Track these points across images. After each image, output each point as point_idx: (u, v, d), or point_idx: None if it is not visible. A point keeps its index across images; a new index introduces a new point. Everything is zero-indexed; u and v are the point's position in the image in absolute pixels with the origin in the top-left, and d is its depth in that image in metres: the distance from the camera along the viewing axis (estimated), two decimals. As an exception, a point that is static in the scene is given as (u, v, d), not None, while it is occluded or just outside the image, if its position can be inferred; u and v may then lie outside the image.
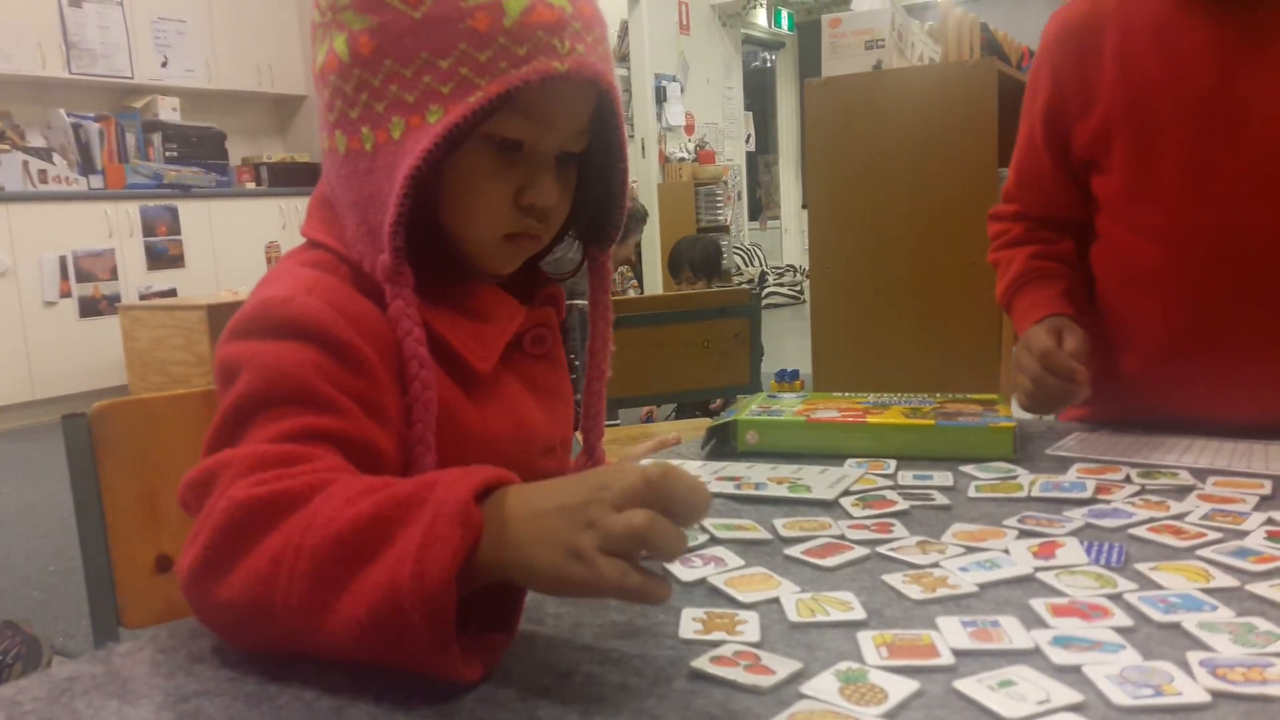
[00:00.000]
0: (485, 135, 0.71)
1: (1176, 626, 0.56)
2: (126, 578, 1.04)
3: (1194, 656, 0.52)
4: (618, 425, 2.92)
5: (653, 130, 7.91)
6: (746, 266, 9.17)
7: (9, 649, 2.09)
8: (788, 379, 4.39)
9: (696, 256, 3.99)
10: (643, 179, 7.73)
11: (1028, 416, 1.13)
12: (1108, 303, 1.12)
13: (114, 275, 5.38)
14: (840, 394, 1.12)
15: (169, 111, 5.98)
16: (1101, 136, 1.07)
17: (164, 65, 5.95)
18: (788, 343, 5.97)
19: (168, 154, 5.85)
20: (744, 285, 8.87)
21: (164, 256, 5.62)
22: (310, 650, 0.54)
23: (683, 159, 8.47)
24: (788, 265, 9.74)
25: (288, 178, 6.32)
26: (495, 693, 0.52)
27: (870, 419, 0.99)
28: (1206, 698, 0.48)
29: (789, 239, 10.47)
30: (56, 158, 5.38)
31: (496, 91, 0.67)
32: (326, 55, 0.72)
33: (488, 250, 0.77)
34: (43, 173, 5.20)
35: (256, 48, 6.43)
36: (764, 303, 9.04)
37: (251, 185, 6.27)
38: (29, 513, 3.37)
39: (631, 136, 7.52)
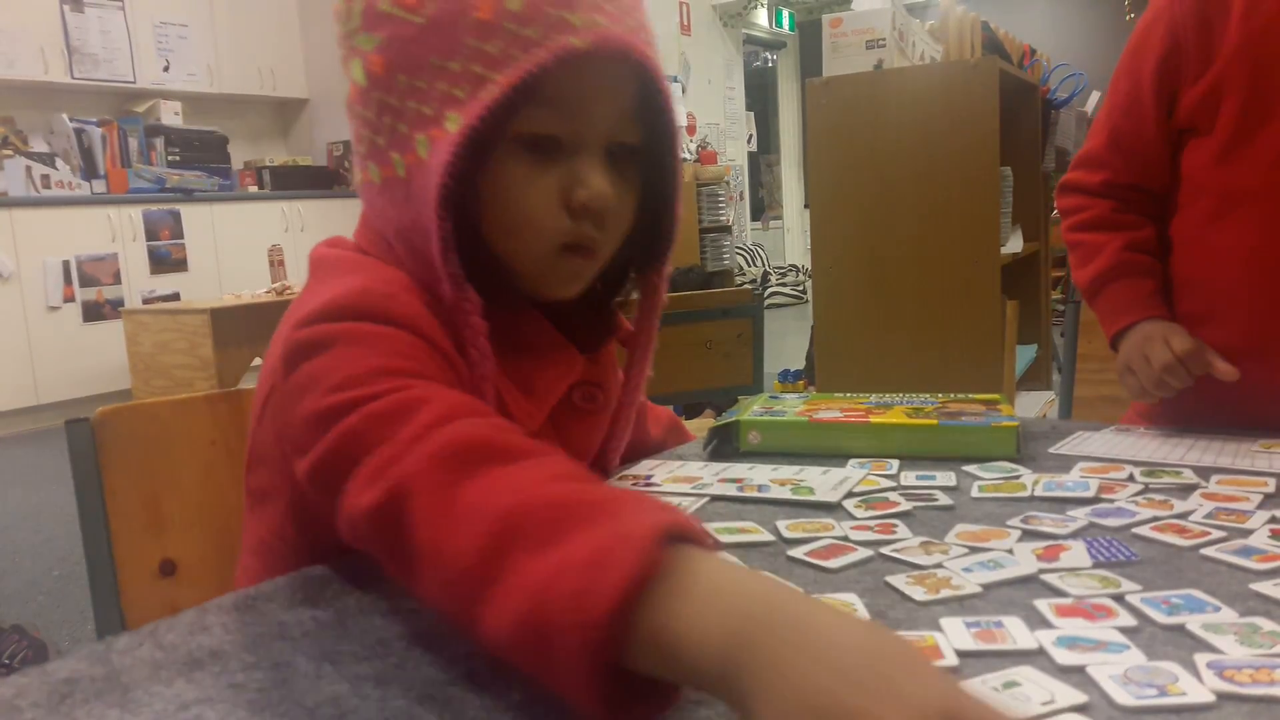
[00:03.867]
0: (516, 136, 0.66)
1: (1181, 628, 0.56)
2: (130, 582, 1.04)
3: (1201, 658, 0.52)
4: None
5: (655, 130, 7.92)
6: (749, 267, 9.16)
7: (15, 653, 2.10)
8: (791, 379, 4.40)
9: (690, 289, 3.95)
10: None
11: (1030, 416, 1.13)
12: (1182, 284, 1.12)
13: (117, 279, 5.39)
14: (843, 394, 1.12)
15: (171, 115, 6.00)
16: (1211, 99, 1.06)
17: (166, 69, 5.96)
18: (791, 342, 5.96)
19: (170, 158, 5.86)
20: (746, 286, 8.90)
21: (167, 260, 5.63)
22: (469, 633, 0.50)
23: (685, 159, 8.47)
24: (790, 265, 9.74)
25: (290, 181, 6.33)
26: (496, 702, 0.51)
27: (873, 419, 0.99)
28: (1211, 698, 0.48)
29: (791, 239, 10.47)
30: (59, 163, 5.40)
31: (512, 83, 0.62)
32: (350, 87, 0.69)
33: (543, 267, 0.71)
34: (45, 178, 5.22)
35: (258, 51, 6.44)
36: (767, 303, 9.04)
37: (254, 189, 6.28)
38: (34, 517, 3.37)
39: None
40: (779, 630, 0.40)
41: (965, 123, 2.42)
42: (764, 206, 10.62)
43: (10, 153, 5.19)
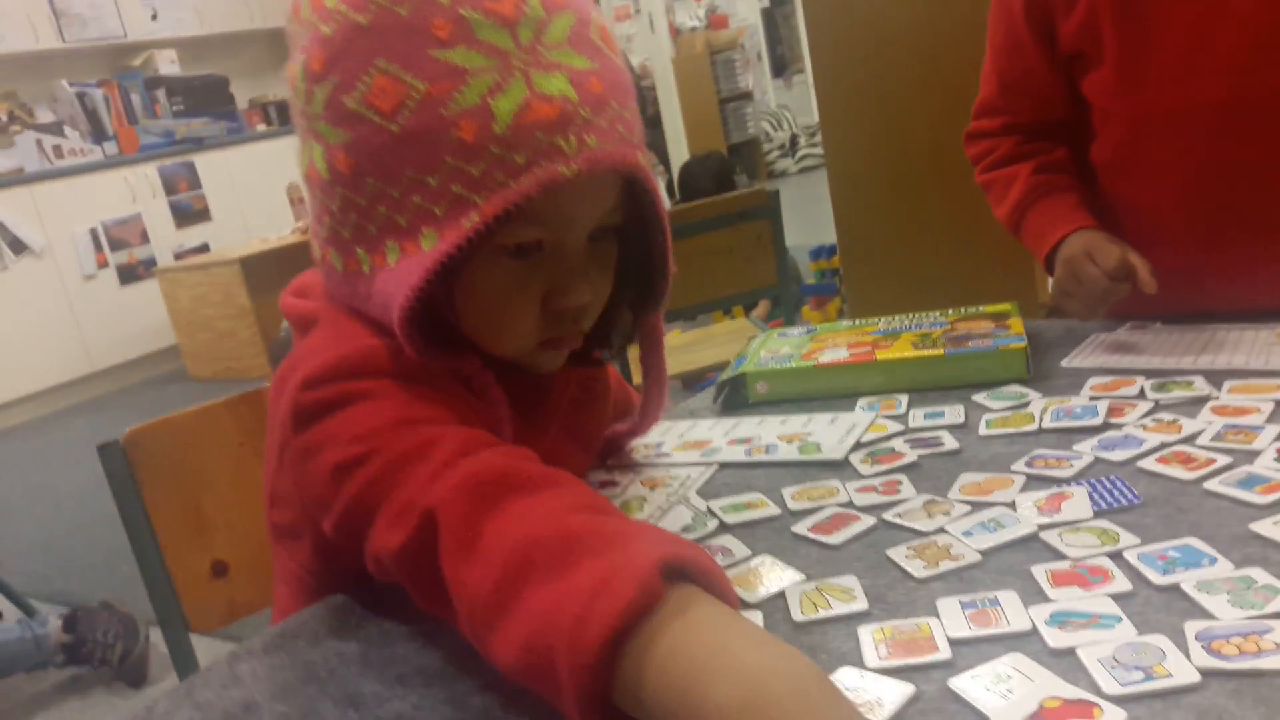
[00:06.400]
0: (498, 246, 0.64)
1: (1175, 588, 0.56)
2: (186, 587, 1.09)
3: (1191, 627, 0.52)
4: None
5: (659, 1, 7.64)
6: (776, 131, 8.94)
7: (108, 629, 2.22)
8: (826, 255, 4.34)
9: (708, 181, 3.84)
10: (655, 55, 7.50)
11: (1044, 325, 1.11)
12: (1118, 201, 1.08)
13: (145, 239, 5.45)
14: (849, 323, 1.11)
15: (168, 64, 5.94)
16: (1089, 26, 1.01)
17: (154, 18, 5.88)
18: (823, 209, 5.82)
19: (175, 108, 5.83)
20: (774, 154, 8.67)
21: (189, 213, 5.66)
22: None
23: (694, 28, 8.20)
24: (819, 123, 9.47)
25: (297, 114, 6.26)
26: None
27: (879, 354, 0.98)
28: (1196, 678, 0.48)
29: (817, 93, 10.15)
30: (68, 129, 5.40)
31: (495, 211, 0.60)
32: (308, 166, 0.66)
33: (524, 359, 0.72)
34: (57, 147, 5.23)
35: (242, -17, 6.30)
36: (798, 167, 8.84)
37: (262, 127, 6.24)
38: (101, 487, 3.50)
39: (638, 11, 7.26)
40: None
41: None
42: (785, 63, 10.27)
43: (19, 128, 5.20)
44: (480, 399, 0.69)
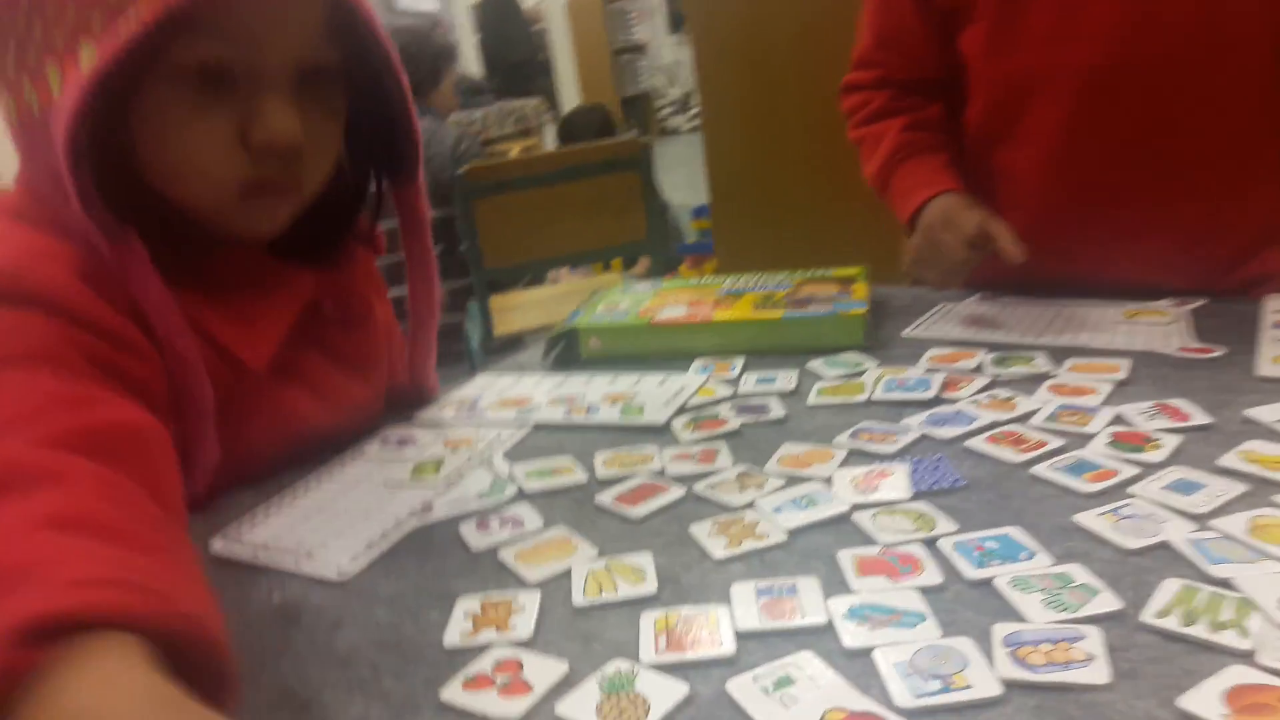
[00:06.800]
0: (176, 69, 0.56)
1: (988, 584, 0.51)
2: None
3: (999, 630, 0.47)
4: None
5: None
6: (669, 88, 8.83)
7: None
8: (706, 215, 4.29)
9: (589, 134, 3.69)
10: (548, 3, 7.30)
11: (894, 292, 1.06)
12: (988, 166, 1.04)
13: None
14: (696, 280, 1.04)
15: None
16: None
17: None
18: (709, 171, 5.77)
19: None
20: (665, 110, 8.55)
21: None
22: None
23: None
24: (696, 80, 9.41)
25: None
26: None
27: (717, 315, 0.91)
28: (997, 691, 0.43)
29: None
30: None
31: (154, 17, 0.51)
32: None
33: (225, 214, 0.62)
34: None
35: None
36: (690, 125, 8.75)
37: None
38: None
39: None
40: None
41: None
42: (682, 19, 10.14)
43: None
44: (148, 319, 0.59)
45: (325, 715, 0.46)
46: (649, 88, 8.58)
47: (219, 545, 0.63)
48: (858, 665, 0.46)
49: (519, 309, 2.49)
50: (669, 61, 8.91)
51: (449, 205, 2.09)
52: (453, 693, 0.47)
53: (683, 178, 4.89)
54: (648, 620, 0.50)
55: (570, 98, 7.08)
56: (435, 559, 0.60)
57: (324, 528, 0.64)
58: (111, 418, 0.50)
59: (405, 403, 0.84)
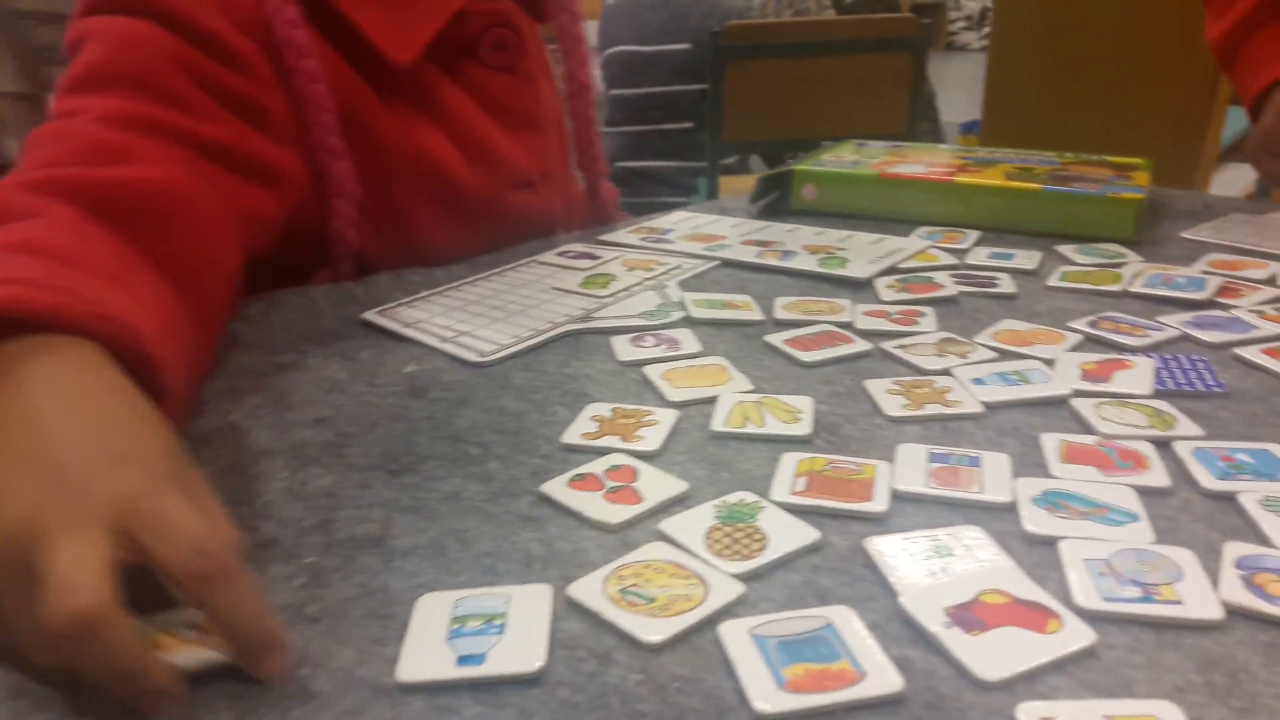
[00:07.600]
0: None
1: (1229, 499, 0.40)
2: None
3: (1232, 549, 0.36)
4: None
5: None
6: (968, 0, 8.19)
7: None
8: (976, 131, 3.97)
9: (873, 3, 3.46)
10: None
11: (1226, 194, 0.89)
12: None
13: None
14: (949, 145, 0.92)
15: None
16: None
17: None
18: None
19: None
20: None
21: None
22: None
23: None
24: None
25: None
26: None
27: (959, 178, 0.79)
28: (1216, 614, 0.33)
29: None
30: None
31: None
32: None
33: None
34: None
35: None
36: (980, 43, 8.10)
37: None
38: None
39: None
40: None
41: None
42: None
43: None
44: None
45: (419, 482, 0.42)
46: (944, -3, 7.99)
47: (372, 315, 0.60)
48: (1036, 554, 0.36)
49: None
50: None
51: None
52: (554, 486, 0.41)
53: (960, 95, 4.55)
54: (791, 459, 0.43)
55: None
56: (578, 363, 0.54)
57: (478, 318, 0.60)
58: (131, 176, 0.48)
59: (585, 218, 0.79)
